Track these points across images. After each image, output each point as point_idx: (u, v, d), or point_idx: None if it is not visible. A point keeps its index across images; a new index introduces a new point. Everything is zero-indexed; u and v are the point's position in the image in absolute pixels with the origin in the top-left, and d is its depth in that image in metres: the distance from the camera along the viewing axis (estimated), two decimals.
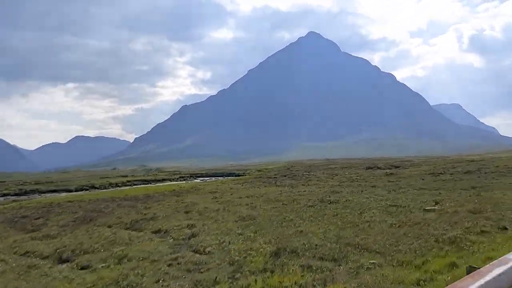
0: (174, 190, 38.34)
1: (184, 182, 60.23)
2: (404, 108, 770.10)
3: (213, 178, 73.35)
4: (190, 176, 78.07)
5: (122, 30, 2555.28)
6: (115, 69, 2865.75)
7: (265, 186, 37.18)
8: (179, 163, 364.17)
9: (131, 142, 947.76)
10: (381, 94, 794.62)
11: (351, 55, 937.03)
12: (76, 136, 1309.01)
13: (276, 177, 50.44)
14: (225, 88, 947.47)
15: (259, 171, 75.12)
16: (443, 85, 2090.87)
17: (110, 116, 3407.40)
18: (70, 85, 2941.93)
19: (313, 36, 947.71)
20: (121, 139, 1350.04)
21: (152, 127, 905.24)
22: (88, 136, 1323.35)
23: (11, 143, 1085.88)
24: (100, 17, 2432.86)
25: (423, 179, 35.41)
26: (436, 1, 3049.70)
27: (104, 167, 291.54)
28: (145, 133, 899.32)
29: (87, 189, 55.38)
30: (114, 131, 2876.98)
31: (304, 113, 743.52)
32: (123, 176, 70.07)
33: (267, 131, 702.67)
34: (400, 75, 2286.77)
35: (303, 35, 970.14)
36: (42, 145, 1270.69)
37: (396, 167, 61.07)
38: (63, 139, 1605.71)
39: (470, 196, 20.88)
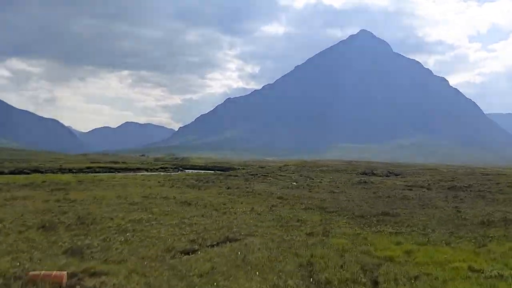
0: (79, 181, 34.52)
1: (146, 173, 52.77)
2: (455, 114, 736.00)
3: (202, 171, 66.51)
4: (177, 168, 69.62)
5: (176, 21, 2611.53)
6: (168, 59, 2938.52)
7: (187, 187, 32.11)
8: (216, 154, 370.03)
9: (176, 131, 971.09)
10: (431, 98, 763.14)
11: (403, 56, 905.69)
12: (126, 122, 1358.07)
13: (235, 177, 44.39)
14: (270, 83, 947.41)
15: (262, 167, 72.57)
16: (501, 94, 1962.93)
17: (160, 104, 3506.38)
18: (125, 72, 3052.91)
19: (364, 34, 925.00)
20: (168, 127, 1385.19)
21: (196, 117, 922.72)
22: (137, 123, 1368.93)
23: (66, 124, 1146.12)
24: (156, 7, 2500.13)
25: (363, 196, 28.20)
26: (499, 5, 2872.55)
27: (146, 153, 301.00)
28: (189, 123, 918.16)
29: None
30: (163, 119, 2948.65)
31: (347, 113, 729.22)
32: (93, 162, 67.93)
33: (307, 129, 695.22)
34: (456, 80, 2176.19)
35: (355, 33, 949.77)
36: (94, 128, 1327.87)
37: (396, 175, 57.75)
38: (114, 124, 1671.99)
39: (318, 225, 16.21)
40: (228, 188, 31.00)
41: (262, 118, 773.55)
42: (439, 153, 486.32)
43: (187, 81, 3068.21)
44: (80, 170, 55.73)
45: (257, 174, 44.60)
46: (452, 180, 41.85)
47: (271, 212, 19.11)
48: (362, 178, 43.24)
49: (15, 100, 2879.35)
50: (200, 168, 78.35)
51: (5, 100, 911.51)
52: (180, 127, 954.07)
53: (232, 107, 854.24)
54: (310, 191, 28.57)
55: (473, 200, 25.43)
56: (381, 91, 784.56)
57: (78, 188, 28.66)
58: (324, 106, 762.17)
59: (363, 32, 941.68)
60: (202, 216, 17.39)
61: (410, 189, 33.87)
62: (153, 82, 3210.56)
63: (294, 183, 36.11)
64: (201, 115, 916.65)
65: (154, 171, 52.85)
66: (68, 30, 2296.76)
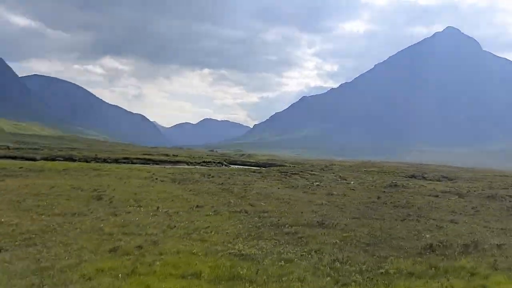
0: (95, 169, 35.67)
1: (178, 166, 50.75)
2: None
3: (246, 167, 61.24)
4: (220, 163, 66.91)
5: (256, 20, 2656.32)
6: (247, 58, 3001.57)
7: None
8: (287, 152, 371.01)
9: (251, 128, 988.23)
10: None
11: (493, 54, 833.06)
12: (205, 118, 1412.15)
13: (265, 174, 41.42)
14: (347, 81, 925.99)
15: (303, 165, 70.88)
16: None
17: (238, 102, 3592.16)
18: (206, 71, 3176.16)
19: (450, 31, 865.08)
20: (245, 124, 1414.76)
21: (271, 115, 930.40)
22: (216, 119, 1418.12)
23: (151, 119, 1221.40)
24: (237, 7, 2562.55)
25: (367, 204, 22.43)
26: None
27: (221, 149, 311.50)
28: (263, 120, 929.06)
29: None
30: (240, 117, 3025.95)
31: (429, 114, 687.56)
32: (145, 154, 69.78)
33: (385, 130, 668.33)
34: None
35: (440, 31, 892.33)
36: (176, 124, 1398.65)
37: (451, 179, 52.91)
38: (194, 120, 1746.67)
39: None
40: (221, 184, 29.22)
41: (337, 117, 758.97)
42: None
43: (264, 79, 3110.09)
44: (116, 161, 55.35)
45: (287, 172, 44.50)
46: (506, 188, 37.32)
47: (174, 215, 15.85)
48: (399, 182, 41.15)
49: (108, 96, 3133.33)
50: (251, 164, 77.49)
51: (98, 96, 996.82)
52: (255, 125, 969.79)
53: (308, 106, 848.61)
54: (305, 192, 27.33)
55: (495, 214, 20.68)
56: (467, 91, 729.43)
57: (31, 175, 28.41)
58: (405, 106, 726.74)
59: (449, 29, 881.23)
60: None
61: (436, 196, 30.65)
62: (232, 80, 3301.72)
63: (317, 183, 35.82)
64: (276, 113, 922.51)
65: (195, 165, 54.21)
66: (155, 31, 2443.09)
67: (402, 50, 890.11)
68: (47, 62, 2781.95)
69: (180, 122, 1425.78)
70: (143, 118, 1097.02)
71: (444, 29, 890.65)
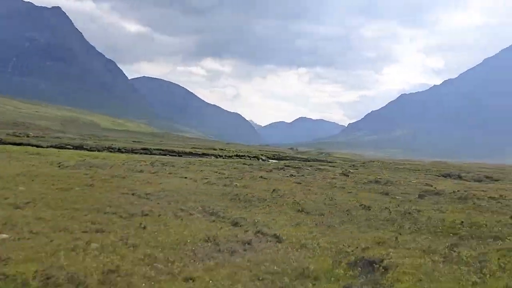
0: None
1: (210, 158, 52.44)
2: None
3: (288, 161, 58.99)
4: (256, 157, 65.37)
5: (354, 16, 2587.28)
6: (343, 55, 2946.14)
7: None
8: (380, 153, 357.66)
9: (345, 127, 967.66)
10: None
11: None
12: (300, 117, 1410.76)
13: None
14: (451, 77, 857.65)
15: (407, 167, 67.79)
16: None
17: (334, 101, 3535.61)
18: (302, 69, 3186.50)
19: None
20: (340, 123, 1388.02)
21: (366, 113, 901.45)
22: (310, 118, 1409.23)
23: (247, 118, 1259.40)
24: (335, 3, 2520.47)
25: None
26: None
27: (313, 148, 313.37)
28: (359, 119, 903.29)
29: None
30: (335, 115, 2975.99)
31: None
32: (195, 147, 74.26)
33: (489, 131, 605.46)
34: None
35: None
36: (271, 123, 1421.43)
37: (496, 180, 47.68)
38: (289, 119, 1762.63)
39: None
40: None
41: (437, 116, 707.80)
42: None
43: (362, 77, 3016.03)
44: (132, 151, 56.06)
45: (300, 167, 45.36)
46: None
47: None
48: (391, 178, 39.45)
49: (208, 95, 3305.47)
50: (298, 159, 78.41)
51: (199, 95, 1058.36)
52: (349, 124, 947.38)
53: (406, 104, 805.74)
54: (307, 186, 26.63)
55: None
56: None
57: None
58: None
59: None
60: None
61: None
62: (328, 79, 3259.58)
63: (298, 174, 36.36)
64: (372, 111, 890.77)
65: (224, 158, 56.90)
66: (252, 31, 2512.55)
67: None
68: (155, 65, 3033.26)
69: (275, 121, 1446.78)
70: (239, 117, 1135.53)
71: None
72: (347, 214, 15.78)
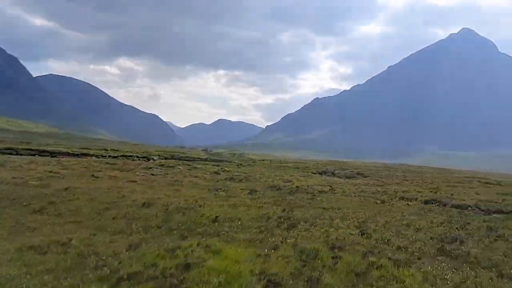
0: None
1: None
2: None
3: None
4: (172, 157, 65.62)
5: (271, 21, 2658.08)
6: (262, 60, 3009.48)
7: None
8: (297, 154, 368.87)
9: (263, 129, 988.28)
10: None
11: (510, 56, 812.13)
12: (220, 119, 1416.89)
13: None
14: (360, 83, 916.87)
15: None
16: None
17: (253, 104, 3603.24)
18: (221, 72, 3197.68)
19: (466, 33, 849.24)
20: (258, 126, 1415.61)
21: (283, 116, 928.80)
22: (230, 120, 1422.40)
23: (166, 119, 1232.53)
24: (252, 8, 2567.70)
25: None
26: None
27: (230, 149, 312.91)
28: (276, 121, 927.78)
29: None
30: (254, 118, 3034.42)
31: (442, 116, 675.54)
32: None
33: (397, 132, 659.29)
34: None
35: (455, 32, 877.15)
36: (190, 124, 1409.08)
37: (360, 173, 50.96)
38: (209, 121, 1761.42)
39: None
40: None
41: (349, 119, 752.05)
42: None
43: (279, 81, 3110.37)
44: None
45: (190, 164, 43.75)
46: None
47: None
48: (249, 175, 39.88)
49: (123, 96, 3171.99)
50: (196, 159, 77.28)
51: (113, 95, 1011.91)
52: (267, 126, 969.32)
53: (319, 107, 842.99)
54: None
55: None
56: (483, 93, 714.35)
57: None
58: (418, 108, 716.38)
59: (465, 30, 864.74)
60: None
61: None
62: (246, 82, 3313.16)
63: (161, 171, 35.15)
64: (288, 114, 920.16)
65: (107, 158, 53.62)
66: (170, 31, 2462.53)
67: (415, 52, 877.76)
68: (64, 62, 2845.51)
69: (195, 122, 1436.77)
70: (156, 118, 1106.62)
71: (459, 31, 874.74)
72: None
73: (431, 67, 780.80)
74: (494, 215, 18.67)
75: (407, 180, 40.52)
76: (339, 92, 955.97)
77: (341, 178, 43.26)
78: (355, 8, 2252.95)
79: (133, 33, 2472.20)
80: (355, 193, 25.41)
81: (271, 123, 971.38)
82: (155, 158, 63.12)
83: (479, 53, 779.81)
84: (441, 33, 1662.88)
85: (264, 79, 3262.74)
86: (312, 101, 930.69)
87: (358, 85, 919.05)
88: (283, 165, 56.02)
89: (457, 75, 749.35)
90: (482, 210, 19.75)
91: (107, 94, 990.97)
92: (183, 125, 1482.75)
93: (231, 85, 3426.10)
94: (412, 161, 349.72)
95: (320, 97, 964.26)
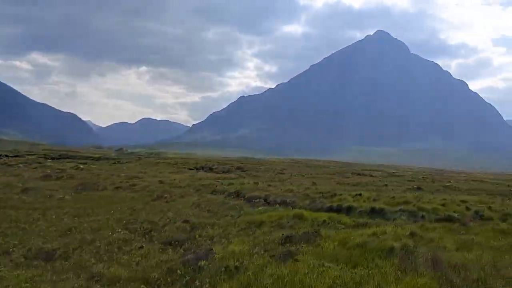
0: None
1: None
2: (472, 119, 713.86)
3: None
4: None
5: (195, 18, 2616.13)
6: (187, 57, 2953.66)
7: None
8: (222, 153, 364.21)
9: (190, 127, 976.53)
10: (449, 101, 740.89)
11: (421, 57, 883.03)
12: (144, 118, 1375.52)
13: None
14: (284, 82, 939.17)
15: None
16: None
17: (179, 102, 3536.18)
18: (144, 68, 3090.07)
19: (381, 35, 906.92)
20: (185, 124, 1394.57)
21: (209, 114, 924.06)
22: (155, 119, 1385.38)
23: (85, 118, 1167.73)
24: (175, 3, 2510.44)
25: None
26: None
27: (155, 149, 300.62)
28: (202, 120, 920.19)
29: None
30: (181, 116, 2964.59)
31: (359, 114, 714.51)
32: None
33: (319, 129, 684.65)
34: (479, 84, 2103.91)
35: (371, 34, 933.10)
36: (112, 123, 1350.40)
37: (239, 168, 53.96)
38: (132, 120, 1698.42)
39: None
40: None
41: (274, 117, 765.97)
42: (456, 159, 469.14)
43: (205, 79, 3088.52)
44: None
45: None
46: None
47: None
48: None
49: (37, 93, 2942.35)
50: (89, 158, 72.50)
51: (24, 93, 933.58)
52: (193, 124, 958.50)
53: (245, 106, 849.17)
54: None
55: None
56: (396, 92, 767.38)
57: None
58: (337, 106, 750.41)
59: (379, 32, 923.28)
60: None
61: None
62: (171, 79, 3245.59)
63: None
64: (214, 112, 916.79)
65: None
66: (89, 25, 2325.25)
67: (334, 52, 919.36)
68: None
69: (117, 121, 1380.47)
70: (74, 117, 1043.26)
71: (374, 33, 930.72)
72: None
73: (349, 66, 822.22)
74: (276, 206, 20.62)
75: (283, 173, 45.66)
76: (264, 91, 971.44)
77: (219, 173, 45.60)
78: (277, 8, 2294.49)
79: (47, 26, 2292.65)
80: (182, 186, 29.49)
81: (199, 121, 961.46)
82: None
83: (393, 53, 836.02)
84: (359, 35, 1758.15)
85: (190, 77, 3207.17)
86: (238, 99, 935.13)
87: (282, 83, 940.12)
88: (164, 162, 56.38)
89: (373, 74, 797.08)
90: (268, 202, 22.40)
91: (17, 91, 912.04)
92: (104, 124, 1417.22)
93: (155, 82, 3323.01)
94: (336, 157, 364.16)
95: (245, 95, 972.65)
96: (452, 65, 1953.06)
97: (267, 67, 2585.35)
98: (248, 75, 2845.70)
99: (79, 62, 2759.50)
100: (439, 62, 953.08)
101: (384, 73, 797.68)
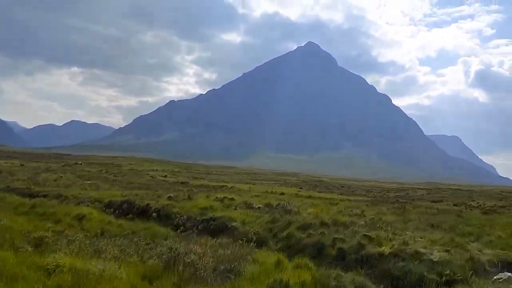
0: None
1: None
2: (393, 131, 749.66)
3: None
4: None
5: (131, 20, 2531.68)
6: (123, 59, 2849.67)
7: None
8: (145, 156, 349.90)
9: (115, 130, 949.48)
10: (370, 114, 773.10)
11: (347, 71, 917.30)
12: (72, 120, 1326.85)
13: None
14: (215, 88, 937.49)
15: None
16: (446, 117, 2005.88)
17: (113, 105, 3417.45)
18: (75, 69, 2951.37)
19: (311, 46, 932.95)
20: (117, 128, 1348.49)
21: (135, 117, 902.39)
22: (85, 122, 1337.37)
23: (9, 119, 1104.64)
24: (110, 2, 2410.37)
25: None
26: (446, 32, 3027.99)
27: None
28: (128, 123, 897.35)
29: None
30: (115, 120, 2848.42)
31: (280, 122, 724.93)
32: None
33: (241, 136, 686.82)
34: (406, 101, 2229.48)
35: (302, 45, 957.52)
36: (38, 125, 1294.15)
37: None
38: (60, 122, 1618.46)
39: None
40: None
41: (200, 123, 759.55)
42: (370, 168, 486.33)
43: (142, 82, 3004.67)
44: None
45: None
46: None
47: None
48: None
49: None
50: None
51: None
52: (120, 127, 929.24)
53: (174, 110, 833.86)
54: None
55: None
56: (320, 103, 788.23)
57: None
58: (262, 114, 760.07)
59: (310, 44, 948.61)
60: None
61: None
62: (106, 82, 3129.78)
63: None
64: (141, 115, 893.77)
65: None
66: (13, 20, 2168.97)
67: (266, 61, 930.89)
68: None
69: (44, 123, 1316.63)
70: None
71: (305, 44, 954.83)
72: None
73: (275, 77, 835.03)
74: None
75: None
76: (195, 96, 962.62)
77: None
78: (216, 15, 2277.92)
79: None
80: None
81: (125, 124, 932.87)
82: None
83: (319, 65, 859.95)
84: (294, 47, 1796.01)
85: (125, 80, 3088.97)
86: (167, 103, 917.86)
87: (213, 89, 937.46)
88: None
89: (297, 85, 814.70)
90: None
91: None
92: (30, 125, 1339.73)
93: (88, 84, 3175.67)
94: (252, 163, 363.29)
95: (176, 100, 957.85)
96: (382, 81, 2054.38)
97: (206, 74, 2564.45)
98: (187, 81, 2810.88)
99: (4, 58, 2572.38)
100: (370, 77, 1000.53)
101: (309, 84, 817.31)
